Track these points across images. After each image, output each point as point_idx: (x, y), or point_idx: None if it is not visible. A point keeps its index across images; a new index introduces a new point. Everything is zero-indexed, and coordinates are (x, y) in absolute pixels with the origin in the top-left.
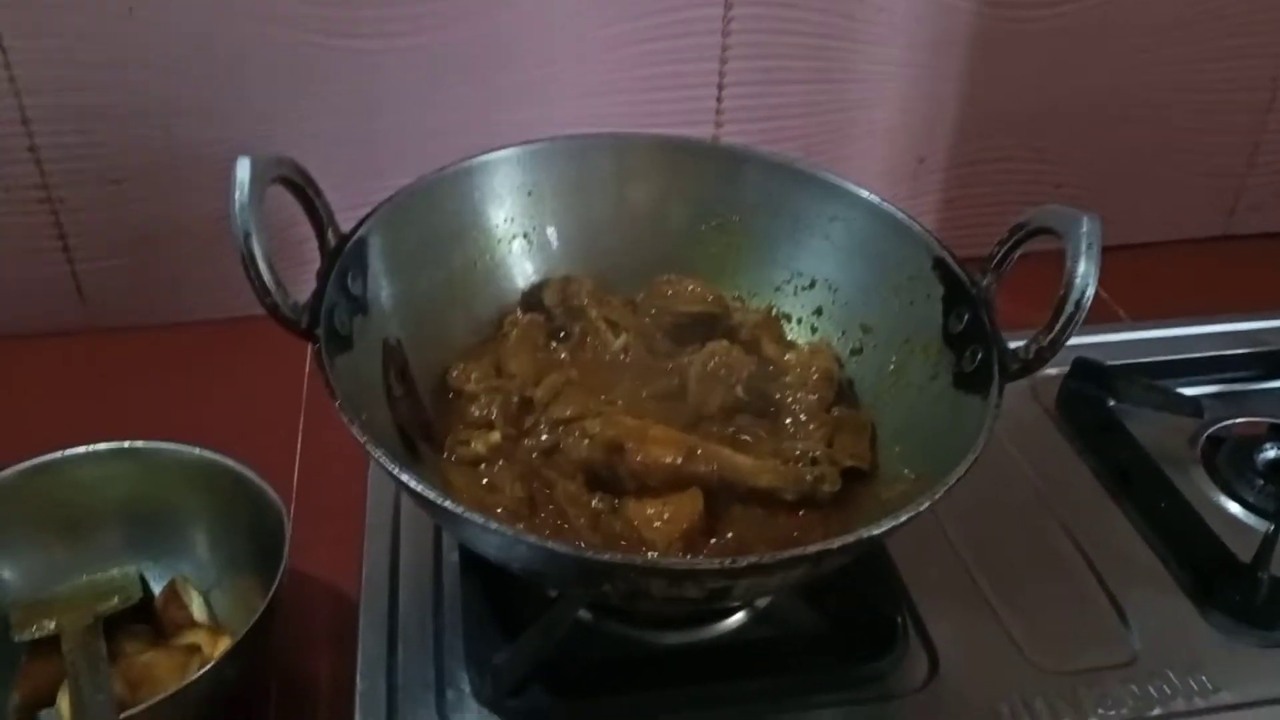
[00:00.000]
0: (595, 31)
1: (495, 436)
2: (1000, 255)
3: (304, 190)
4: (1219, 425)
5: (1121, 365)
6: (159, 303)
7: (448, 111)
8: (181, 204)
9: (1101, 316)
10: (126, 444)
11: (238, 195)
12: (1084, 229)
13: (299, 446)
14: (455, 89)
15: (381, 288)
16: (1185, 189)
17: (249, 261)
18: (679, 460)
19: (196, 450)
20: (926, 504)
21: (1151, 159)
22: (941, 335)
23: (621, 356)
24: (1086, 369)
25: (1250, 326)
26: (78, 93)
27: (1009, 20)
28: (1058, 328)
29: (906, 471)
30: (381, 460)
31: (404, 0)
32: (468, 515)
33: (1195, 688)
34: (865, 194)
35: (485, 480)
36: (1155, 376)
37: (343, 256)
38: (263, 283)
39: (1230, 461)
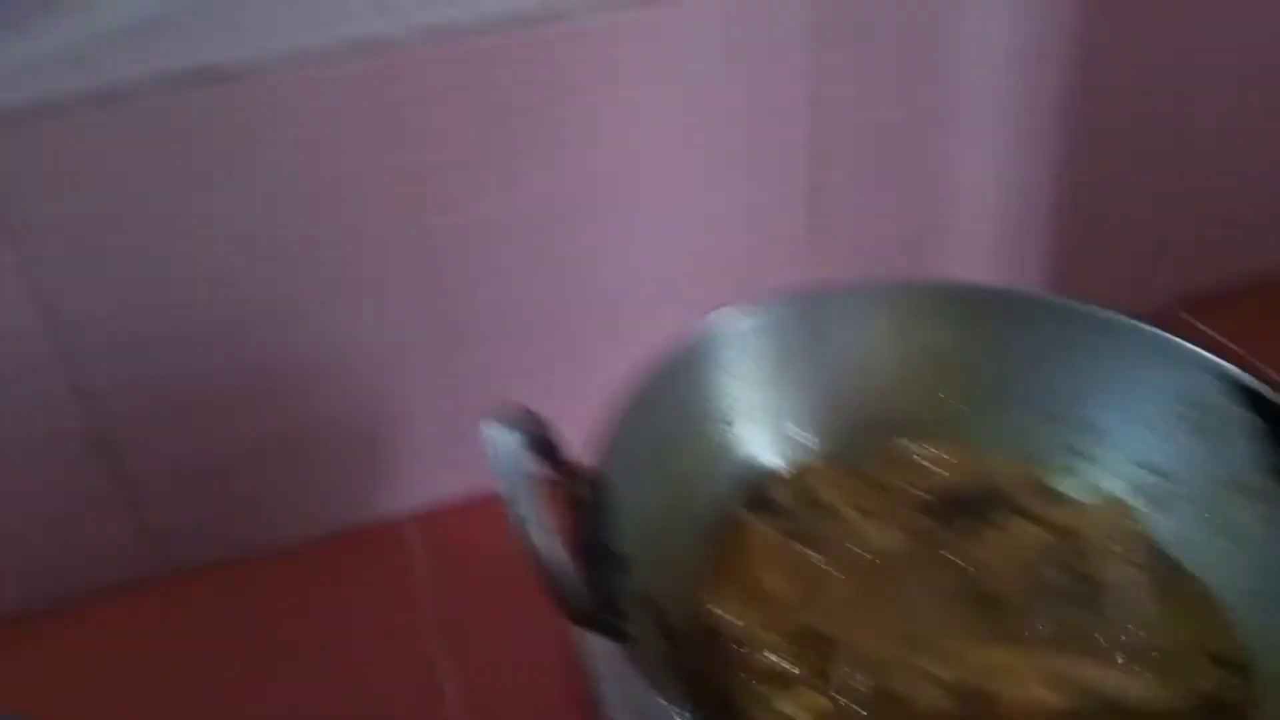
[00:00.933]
0: (668, 171)
1: (820, 701)
2: None
3: (546, 440)
4: None
5: None
6: (240, 533)
7: (525, 277)
8: (248, 422)
9: None
10: None
11: (512, 482)
12: None
13: (449, 686)
14: (529, 253)
15: (625, 532)
16: None
17: (547, 558)
18: (1053, 696)
19: None
20: None
21: None
22: (1267, 469)
23: (887, 550)
24: None
25: None
26: (122, 320)
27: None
28: None
29: None
30: None
31: (474, 166)
32: None
33: None
34: (1106, 314)
35: None
36: None
37: (602, 508)
38: (570, 584)
39: None
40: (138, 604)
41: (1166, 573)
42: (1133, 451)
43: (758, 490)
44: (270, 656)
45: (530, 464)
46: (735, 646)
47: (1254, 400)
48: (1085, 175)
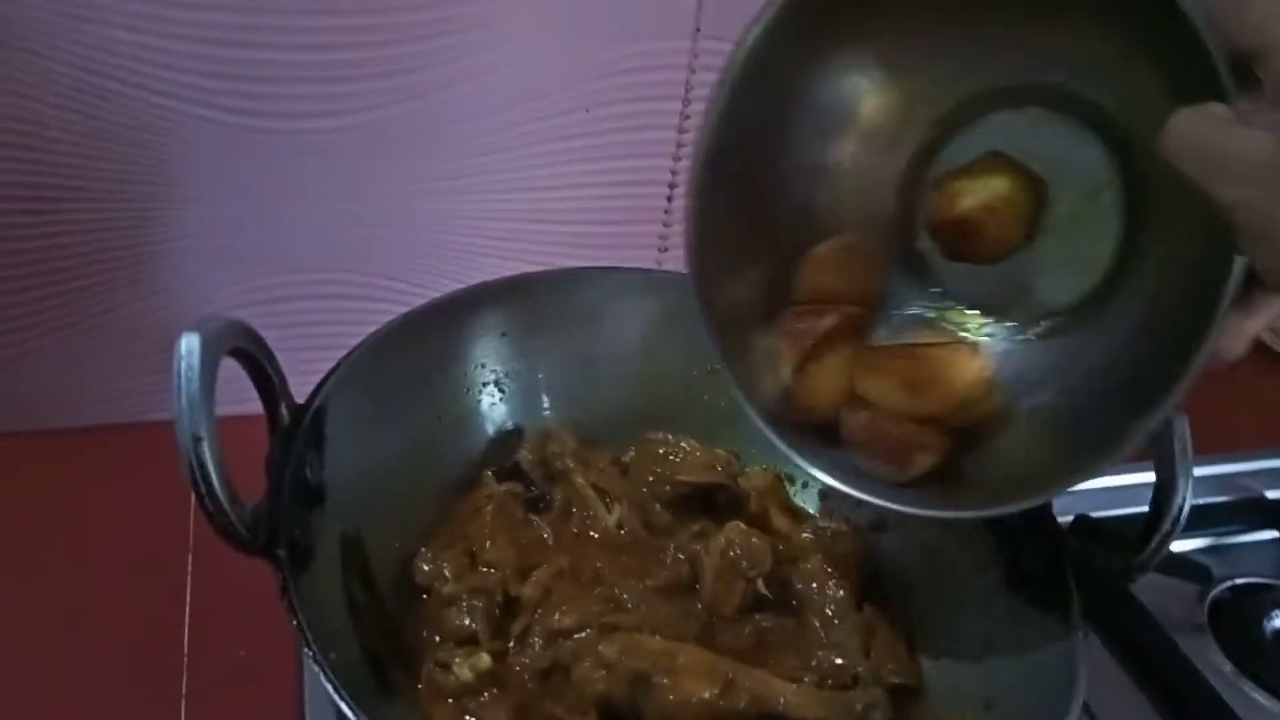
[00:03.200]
0: (540, 121)
1: (484, 660)
2: None
3: (258, 360)
4: (1222, 587)
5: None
6: (11, 409)
7: (370, 201)
8: (53, 300)
9: None
10: None
11: (185, 386)
12: (1175, 432)
13: (189, 596)
14: (378, 176)
15: (339, 466)
16: None
17: (199, 472)
18: (716, 694)
19: None
20: None
21: None
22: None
23: (618, 533)
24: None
25: (1227, 470)
26: None
27: None
28: (1154, 543)
29: (960, 691)
30: (346, 710)
31: (329, 80)
32: None
33: None
34: None
35: (475, 719)
36: None
37: (300, 437)
38: (217, 500)
39: (1239, 633)
40: None
41: (872, 595)
42: None
43: (506, 452)
44: (23, 536)
45: (208, 376)
46: (437, 608)
47: None
48: None
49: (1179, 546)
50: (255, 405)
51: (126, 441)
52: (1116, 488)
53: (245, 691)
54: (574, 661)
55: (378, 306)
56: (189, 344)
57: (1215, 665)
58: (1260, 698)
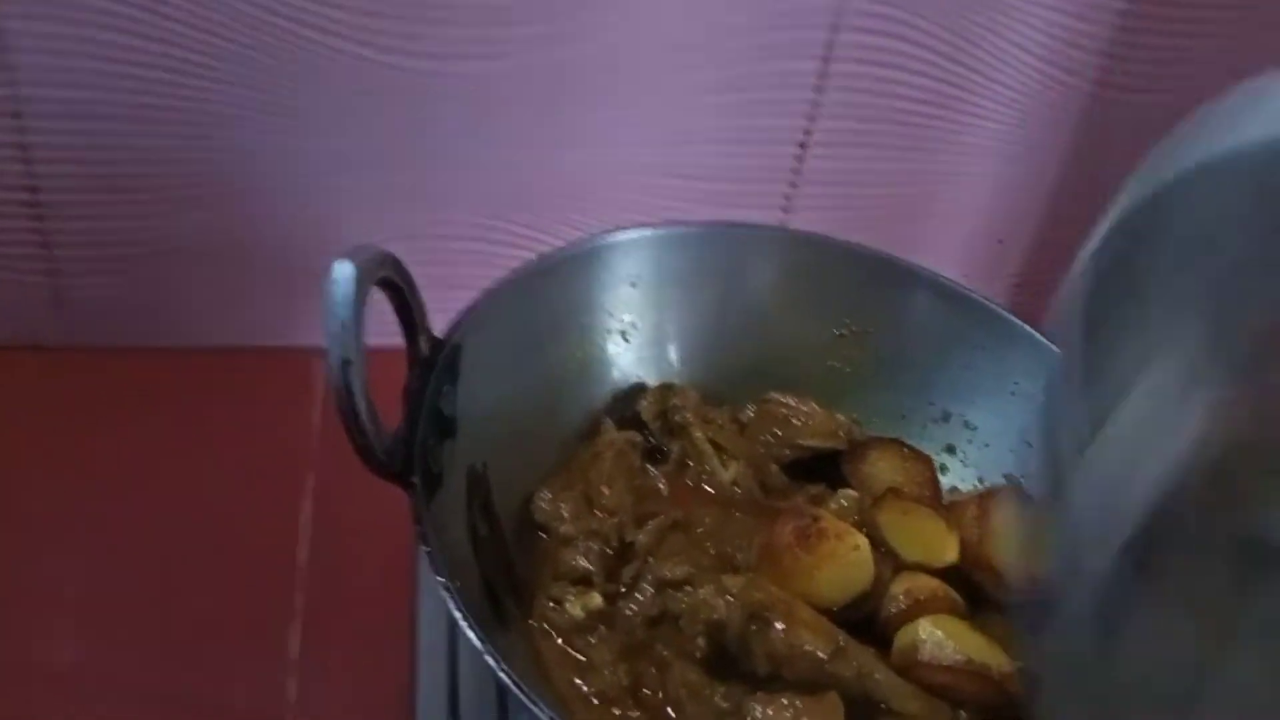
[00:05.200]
0: (674, 76)
1: (596, 600)
2: None
3: (403, 292)
4: None
5: None
6: (150, 324)
7: (500, 145)
8: (185, 218)
9: None
10: None
11: (339, 311)
12: None
13: (308, 516)
14: (513, 121)
15: (471, 402)
16: None
17: (344, 395)
18: (827, 655)
19: None
20: None
21: None
22: None
23: (733, 490)
24: None
25: None
26: (79, 88)
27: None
28: None
29: None
30: (472, 636)
31: (465, 22)
32: None
33: None
34: (1020, 324)
35: (583, 656)
36: None
37: (438, 370)
38: (359, 422)
39: None
40: (43, 367)
41: None
42: (996, 458)
43: (628, 403)
44: (152, 449)
45: (360, 304)
46: (553, 547)
47: None
48: (1074, 197)
49: None
50: (384, 339)
51: (258, 365)
52: None
53: (358, 614)
54: (688, 599)
55: (513, 251)
56: (343, 271)
57: None
58: None
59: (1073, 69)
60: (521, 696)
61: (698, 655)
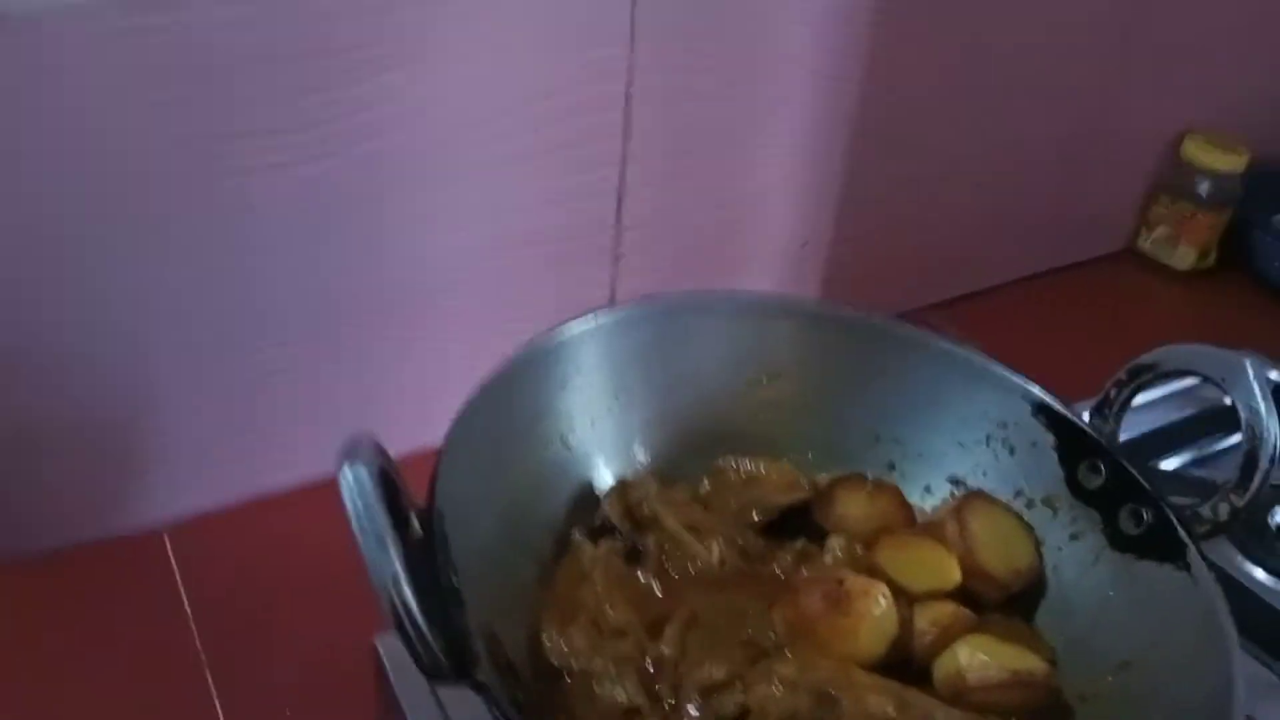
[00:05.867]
0: (487, 148)
1: None
2: (1122, 399)
3: (390, 476)
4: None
5: None
6: None
7: (331, 255)
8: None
9: None
10: None
11: (368, 524)
12: (1251, 374)
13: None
14: (334, 224)
15: (460, 564)
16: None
17: (404, 612)
18: (894, 711)
19: None
20: None
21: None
22: (1068, 489)
23: (721, 569)
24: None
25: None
26: None
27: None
28: (1254, 487)
29: (1089, 659)
30: None
31: (272, 130)
32: None
33: None
34: (929, 338)
35: None
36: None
37: (435, 545)
38: (425, 640)
39: (1250, 532)
40: None
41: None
42: (946, 468)
43: (591, 510)
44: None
45: (384, 509)
46: (579, 685)
47: (1052, 418)
48: (862, 190)
49: (1169, 464)
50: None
51: (109, 556)
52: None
53: None
54: (746, 698)
55: (357, 364)
56: (356, 476)
57: (1235, 564)
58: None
59: (839, 73)
60: None
61: None
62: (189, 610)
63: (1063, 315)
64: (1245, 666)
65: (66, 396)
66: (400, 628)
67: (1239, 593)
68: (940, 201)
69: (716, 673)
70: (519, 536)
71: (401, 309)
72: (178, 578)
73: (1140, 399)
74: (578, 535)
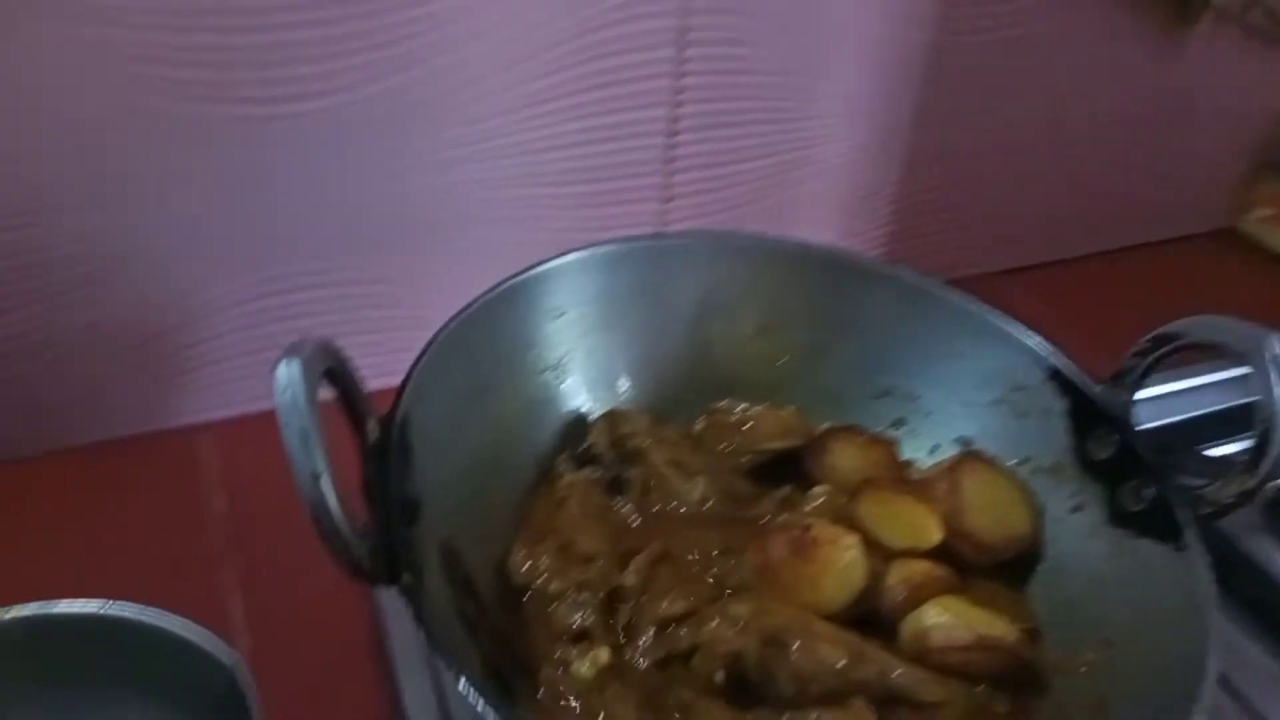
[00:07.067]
0: (528, 85)
1: (603, 655)
2: (1141, 370)
3: (344, 380)
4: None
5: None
6: (18, 430)
7: (359, 181)
8: (39, 312)
9: None
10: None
11: (294, 420)
12: (1272, 353)
13: (240, 612)
14: (366, 155)
15: (426, 478)
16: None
17: (321, 511)
18: (847, 663)
19: (98, 608)
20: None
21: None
22: (1076, 459)
23: (703, 508)
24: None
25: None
26: None
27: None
28: (1264, 468)
29: (1075, 633)
30: None
31: (303, 61)
32: None
33: None
34: (947, 292)
35: (603, 716)
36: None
37: (392, 452)
38: (340, 539)
39: None
40: None
41: None
42: (943, 422)
43: (577, 439)
44: (53, 560)
45: (314, 407)
46: (540, 606)
47: (1066, 386)
48: (933, 145)
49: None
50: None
51: (142, 453)
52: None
53: (321, 697)
54: (700, 634)
55: (381, 289)
56: (289, 373)
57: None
58: None
59: (910, 20)
60: None
61: (718, 689)
62: (217, 507)
63: (1150, 293)
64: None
65: (122, 300)
66: (319, 526)
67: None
68: (1021, 162)
69: (674, 607)
70: (502, 461)
71: (433, 235)
72: (210, 476)
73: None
74: (562, 462)
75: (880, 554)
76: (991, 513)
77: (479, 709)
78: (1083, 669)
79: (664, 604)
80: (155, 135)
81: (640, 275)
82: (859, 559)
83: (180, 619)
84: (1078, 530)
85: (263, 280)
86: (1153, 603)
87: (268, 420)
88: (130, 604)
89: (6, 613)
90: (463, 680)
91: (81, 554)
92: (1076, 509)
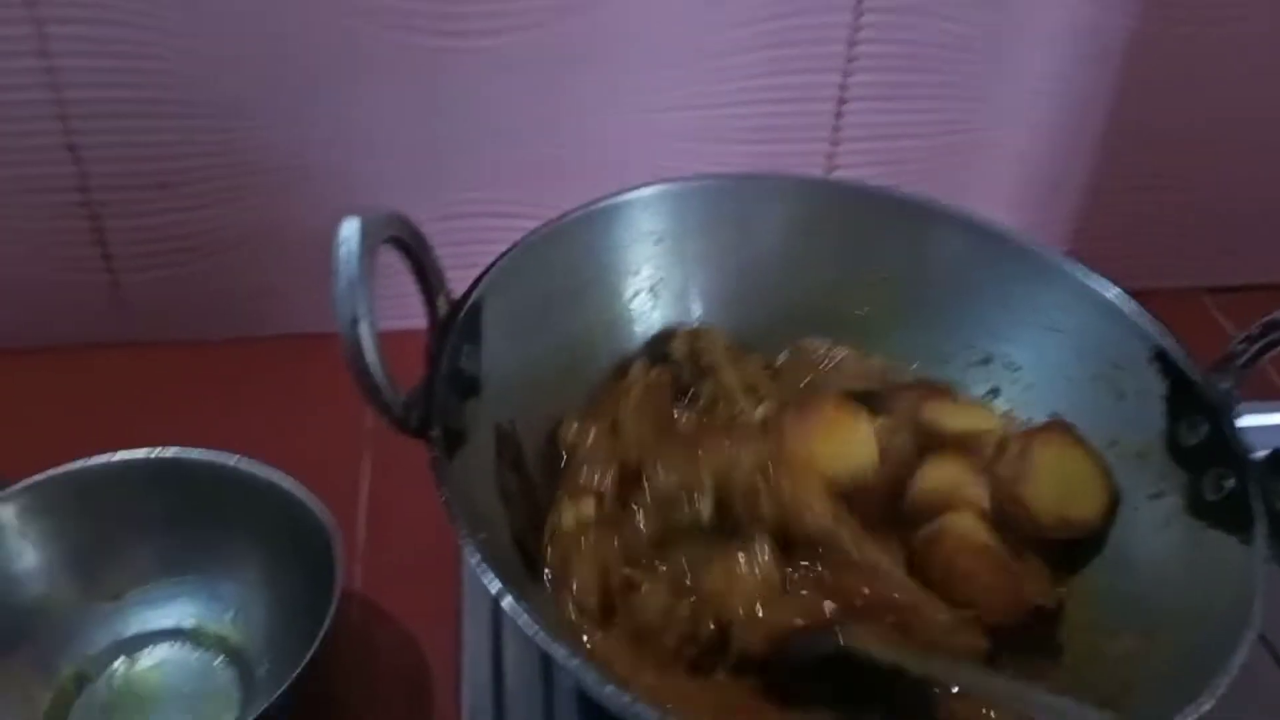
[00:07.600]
0: (699, 38)
1: (588, 508)
2: (1248, 355)
3: (415, 252)
4: None
5: None
6: (206, 317)
7: (523, 115)
8: (227, 211)
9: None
10: (156, 453)
11: (345, 268)
12: None
13: (365, 496)
14: (539, 92)
15: (495, 362)
16: None
17: (355, 352)
18: (827, 522)
19: (234, 461)
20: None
21: None
22: (1166, 444)
23: (759, 428)
24: None
25: None
26: (122, 87)
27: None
28: None
29: (1124, 615)
30: (505, 601)
31: None
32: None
33: None
34: (1059, 260)
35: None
36: None
37: (456, 329)
38: (371, 380)
39: None
40: (99, 363)
41: None
42: (1041, 396)
43: (660, 346)
44: (210, 439)
45: (366, 262)
46: (571, 468)
47: (1168, 367)
48: (1131, 138)
49: None
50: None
51: (307, 351)
52: None
53: (409, 589)
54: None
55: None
56: (348, 228)
57: None
58: None
59: (1112, 5)
60: (555, 652)
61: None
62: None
63: None
64: None
65: (301, 207)
66: (352, 366)
67: None
68: (1236, 168)
69: (670, 478)
70: (580, 364)
71: (596, 180)
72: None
73: None
74: (639, 363)
75: (927, 440)
76: (1056, 489)
77: (475, 565)
78: (1118, 654)
79: (661, 474)
80: (344, 55)
81: (741, 210)
82: (870, 437)
83: (296, 482)
84: (1151, 518)
85: (432, 205)
86: (1204, 599)
87: (419, 337)
88: (260, 462)
89: (150, 453)
90: (463, 529)
91: (248, 428)
92: (1156, 495)
